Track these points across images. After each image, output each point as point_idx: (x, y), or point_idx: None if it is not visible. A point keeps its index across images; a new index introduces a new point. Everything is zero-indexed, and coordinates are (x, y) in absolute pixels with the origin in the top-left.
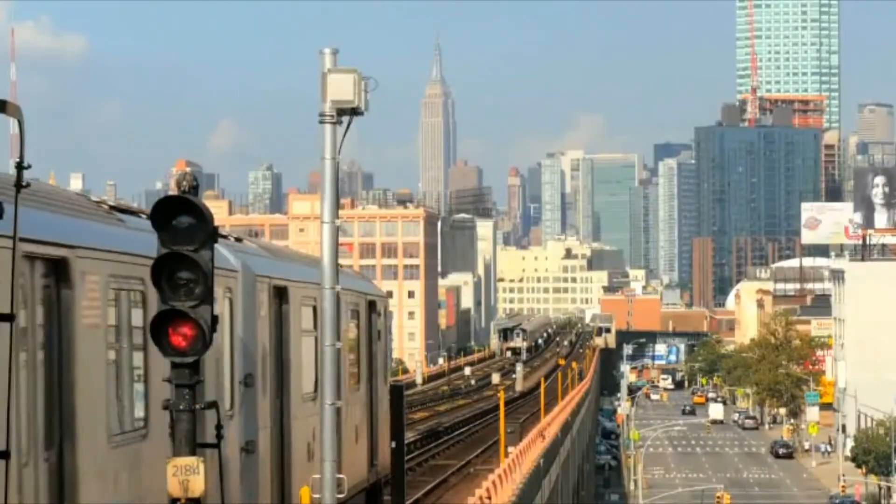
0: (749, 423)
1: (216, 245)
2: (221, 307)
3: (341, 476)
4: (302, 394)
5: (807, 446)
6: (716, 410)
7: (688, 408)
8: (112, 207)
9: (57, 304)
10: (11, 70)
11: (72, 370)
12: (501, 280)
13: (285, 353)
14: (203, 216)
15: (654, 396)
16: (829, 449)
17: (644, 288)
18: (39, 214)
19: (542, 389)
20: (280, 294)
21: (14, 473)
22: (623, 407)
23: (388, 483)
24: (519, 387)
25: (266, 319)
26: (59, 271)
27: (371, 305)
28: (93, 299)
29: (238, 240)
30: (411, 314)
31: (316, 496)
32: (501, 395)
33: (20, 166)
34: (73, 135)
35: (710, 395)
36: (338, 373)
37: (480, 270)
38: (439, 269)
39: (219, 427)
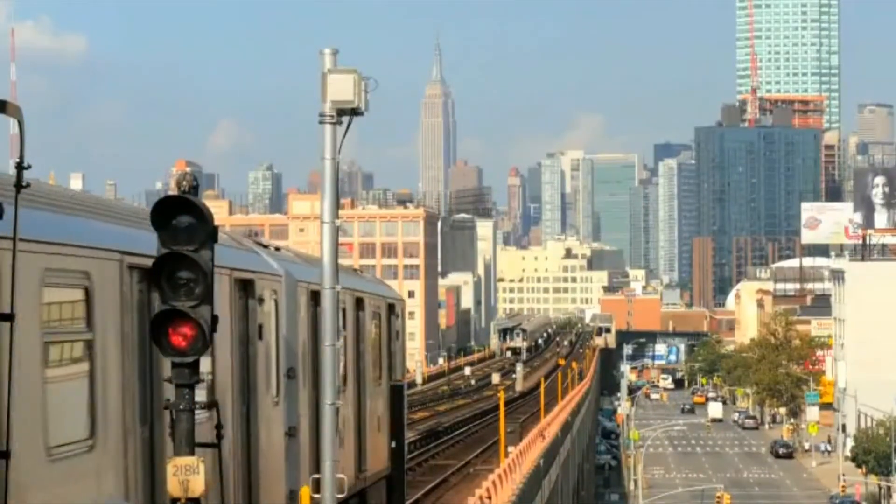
0: (749, 422)
1: (261, 252)
2: (269, 308)
3: (341, 476)
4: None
5: (807, 447)
6: (715, 409)
7: (687, 406)
8: None
9: (148, 309)
10: (11, 70)
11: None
12: (501, 280)
13: (320, 349)
14: (203, 216)
15: (653, 396)
16: (828, 448)
17: (644, 288)
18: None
19: (542, 389)
20: (315, 297)
21: (120, 440)
22: (623, 407)
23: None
24: (519, 387)
25: (305, 320)
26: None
27: (391, 308)
28: None
29: (277, 249)
30: (411, 314)
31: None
32: (501, 395)
33: (20, 166)
34: (73, 135)
35: (710, 394)
36: (338, 371)
37: (480, 270)
38: (439, 268)
39: (219, 427)
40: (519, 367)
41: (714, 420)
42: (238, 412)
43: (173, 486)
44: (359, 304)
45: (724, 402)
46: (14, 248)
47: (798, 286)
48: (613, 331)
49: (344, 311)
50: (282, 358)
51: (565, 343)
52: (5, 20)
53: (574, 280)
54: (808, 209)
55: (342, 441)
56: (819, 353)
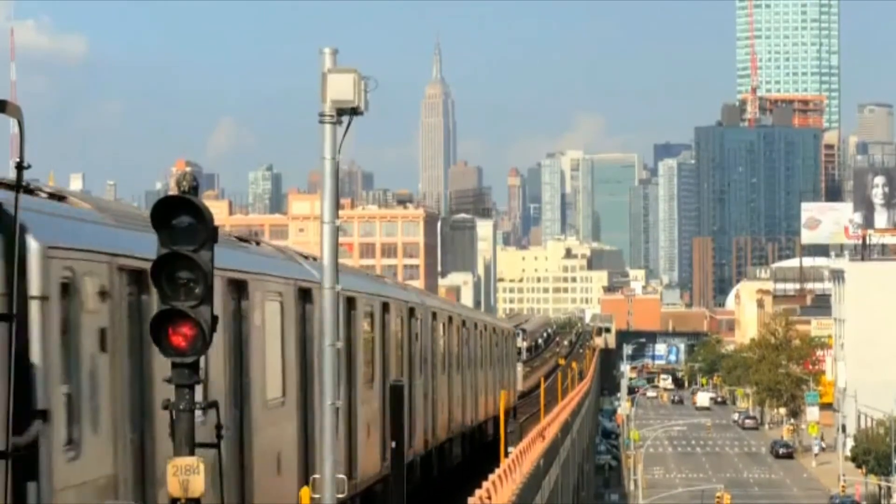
0: (749, 423)
1: (304, 263)
2: (310, 315)
3: (341, 476)
4: (363, 378)
5: (815, 451)
6: (703, 399)
7: (676, 398)
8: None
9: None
10: (11, 70)
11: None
12: (501, 280)
13: (353, 349)
14: (203, 216)
15: (650, 394)
16: (822, 445)
17: (644, 288)
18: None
19: (542, 389)
20: (350, 303)
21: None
22: (623, 407)
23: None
24: (519, 387)
25: (342, 322)
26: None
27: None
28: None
29: (314, 259)
30: None
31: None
32: (503, 395)
33: (20, 166)
34: (73, 135)
35: (711, 394)
36: (339, 371)
37: (480, 270)
38: (439, 269)
39: (219, 427)
40: (519, 367)
41: (702, 408)
42: (297, 398)
43: (173, 487)
44: (385, 308)
45: (725, 403)
46: (14, 248)
47: (798, 286)
48: (613, 331)
49: (371, 315)
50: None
51: (565, 343)
52: (5, 20)
53: (574, 280)
54: (808, 209)
55: (369, 429)
56: (819, 353)
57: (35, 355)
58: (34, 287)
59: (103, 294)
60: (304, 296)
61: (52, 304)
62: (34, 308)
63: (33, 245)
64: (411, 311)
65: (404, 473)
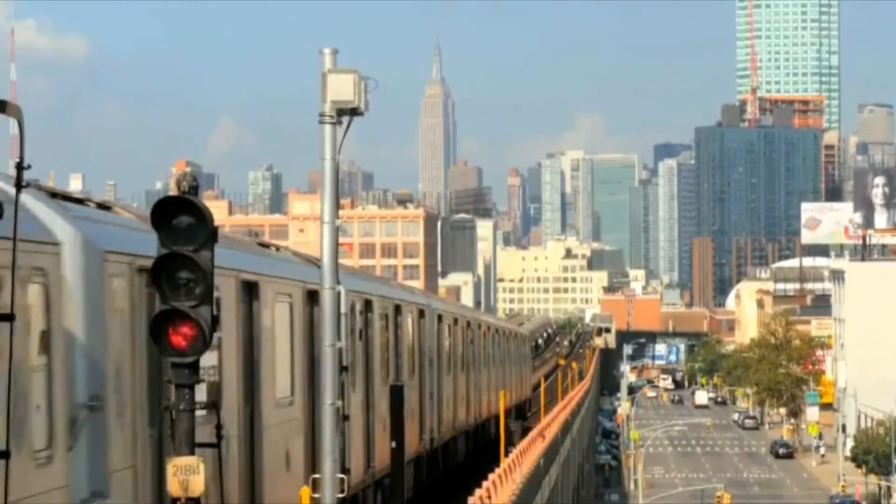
0: (749, 422)
1: (417, 291)
2: (425, 326)
3: (342, 476)
4: (445, 369)
5: (821, 451)
6: (701, 397)
7: (676, 397)
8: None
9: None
10: (11, 70)
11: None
12: (501, 280)
13: (440, 349)
14: (203, 216)
15: (650, 394)
16: (820, 444)
17: (644, 288)
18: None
19: (542, 389)
20: (440, 318)
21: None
22: (623, 407)
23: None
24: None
25: (435, 332)
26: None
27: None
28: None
29: (413, 290)
30: None
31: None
32: (502, 395)
33: (20, 166)
34: (73, 135)
35: (711, 395)
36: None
37: (480, 270)
38: (439, 269)
39: (219, 427)
40: None
41: (700, 406)
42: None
43: (173, 486)
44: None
45: (725, 402)
46: (14, 248)
47: (798, 286)
48: (613, 331)
49: (449, 327)
50: (426, 354)
51: (565, 343)
52: (5, 20)
53: (574, 280)
54: (808, 209)
55: (448, 400)
56: (819, 353)
57: None
58: None
59: None
60: (421, 314)
61: None
62: None
63: None
64: (468, 324)
65: (404, 473)
